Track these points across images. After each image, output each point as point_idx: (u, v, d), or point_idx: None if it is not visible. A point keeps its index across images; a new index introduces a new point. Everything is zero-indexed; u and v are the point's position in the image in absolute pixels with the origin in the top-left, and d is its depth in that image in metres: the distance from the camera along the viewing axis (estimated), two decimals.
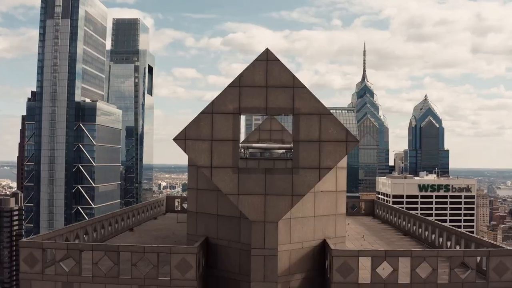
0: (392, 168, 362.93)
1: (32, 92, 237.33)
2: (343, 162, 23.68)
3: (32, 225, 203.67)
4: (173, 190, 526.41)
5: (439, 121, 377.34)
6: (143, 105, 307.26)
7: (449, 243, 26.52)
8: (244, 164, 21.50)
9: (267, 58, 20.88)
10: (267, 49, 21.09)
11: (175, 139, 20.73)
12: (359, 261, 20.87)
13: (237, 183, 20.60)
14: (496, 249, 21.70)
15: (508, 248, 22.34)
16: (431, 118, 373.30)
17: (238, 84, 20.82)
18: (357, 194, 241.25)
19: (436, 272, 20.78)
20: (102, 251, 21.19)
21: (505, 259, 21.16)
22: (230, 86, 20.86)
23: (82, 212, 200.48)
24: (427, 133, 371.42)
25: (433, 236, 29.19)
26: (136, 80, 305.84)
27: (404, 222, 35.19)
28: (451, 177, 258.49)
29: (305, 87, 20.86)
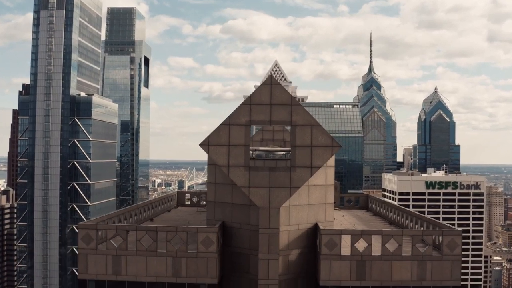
0: (400, 164, 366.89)
1: (24, 85, 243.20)
2: (331, 162, 32.13)
3: (26, 223, 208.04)
4: (168, 188, 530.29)
5: (449, 115, 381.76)
6: (139, 98, 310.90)
7: (422, 228, 34.88)
8: (253, 163, 29.87)
9: (271, 83, 29.31)
10: (270, 75, 29.52)
11: (201, 145, 29.13)
12: (342, 238, 29.27)
13: (248, 178, 29.07)
14: (448, 229, 30.06)
15: (458, 229, 30.70)
16: (441, 112, 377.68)
17: (249, 102, 29.25)
18: (360, 191, 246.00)
19: (401, 247, 29.17)
20: (144, 231, 29.58)
21: (456, 237, 29.57)
22: (243, 104, 29.32)
23: (78, 209, 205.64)
24: (437, 128, 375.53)
25: (411, 224, 37.55)
26: (132, 72, 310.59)
27: (390, 214, 43.53)
28: (465, 173, 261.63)
29: (300, 104, 29.28)
